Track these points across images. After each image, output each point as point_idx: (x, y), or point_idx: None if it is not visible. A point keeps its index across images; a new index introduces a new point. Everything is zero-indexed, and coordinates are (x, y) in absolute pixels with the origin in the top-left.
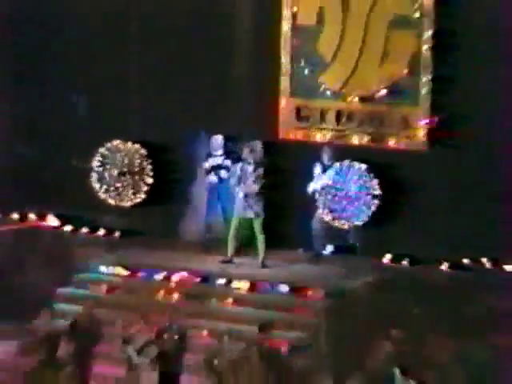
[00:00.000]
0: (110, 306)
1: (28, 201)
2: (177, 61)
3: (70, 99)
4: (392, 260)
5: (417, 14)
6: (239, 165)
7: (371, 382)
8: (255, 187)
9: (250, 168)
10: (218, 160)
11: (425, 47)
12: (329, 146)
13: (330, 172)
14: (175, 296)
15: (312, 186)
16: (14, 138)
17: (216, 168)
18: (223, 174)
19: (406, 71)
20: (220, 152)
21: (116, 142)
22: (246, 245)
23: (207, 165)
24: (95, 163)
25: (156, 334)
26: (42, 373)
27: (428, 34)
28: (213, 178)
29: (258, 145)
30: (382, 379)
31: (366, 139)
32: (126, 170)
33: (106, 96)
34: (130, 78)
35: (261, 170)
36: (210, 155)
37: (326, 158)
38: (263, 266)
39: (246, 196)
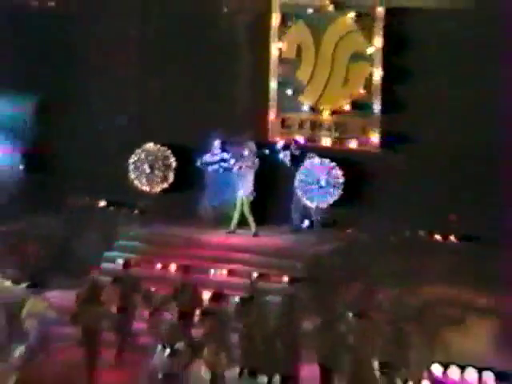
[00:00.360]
0: (141, 265)
1: (85, 189)
2: (195, 86)
3: (115, 114)
4: (351, 232)
5: (370, 51)
6: (240, 160)
7: (334, 320)
8: (251, 177)
9: (249, 163)
10: (218, 156)
11: (376, 74)
12: (305, 146)
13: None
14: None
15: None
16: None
17: (221, 162)
18: (225, 166)
19: (362, 92)
20: (219, 151)
21: (148, 145)
22: (243, 221)
23: (204, 160)
24: (132, 160)
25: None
26: (90, 310)
27: (378, 65)
28: (221, 170)
29: (254, 146)
30: (338, 319)
31: (333, 142)
32: (154, 165)
33: (141, 110)
34: (154, 98)
35: (256, 164)
36: (210, 153)
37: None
38: (255, 235)
39: (245, 183)
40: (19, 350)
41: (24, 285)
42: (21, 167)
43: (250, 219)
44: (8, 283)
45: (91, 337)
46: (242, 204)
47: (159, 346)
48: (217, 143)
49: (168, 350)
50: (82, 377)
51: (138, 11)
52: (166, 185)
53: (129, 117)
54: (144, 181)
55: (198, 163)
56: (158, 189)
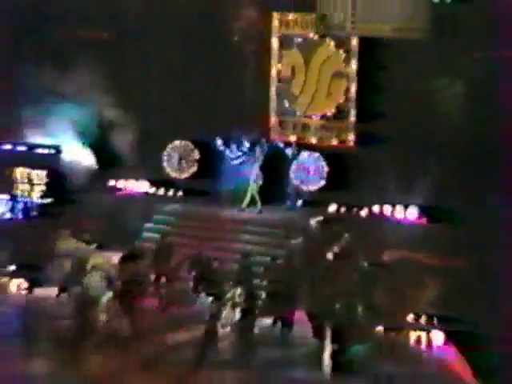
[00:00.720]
0: (174, 236)
1: (130, 176)
2: (213, 96)
3: (150, 114)
4: (335, 210)
5: (348, 70)
6: (252, 155)
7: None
8: (258, 168)
9: (257, 158)
10: (237, 152)
11: (352, 88)
12: (298, 143)
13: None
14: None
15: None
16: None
17: (238, 158)
18: (241, 159)
19: (341, 102)
20: (236, 147)
21: (176, 141)
22: (252, 201)
23: (226, 155)
24: (165, 153)
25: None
26: (128, 267)
27: (354, 81)
28: (235, 162)
29: (265, 144)
30: (331, 275)
31: (318, 141)
32: (182, 157)
33: (173, 114)
34: (182, 106)
35: (261, 158)
36: (230, 149)
37: (295, 149)
38: (260, 212)
39: (255, 172)
40: (107, 296)
41: (94, 246)
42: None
43: (257, 199)
44: (81, 244)
45: (129, 288)
46: (251, 188)
47: (202, 294)
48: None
49: (211, 298)
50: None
51: (178, 41)
52: (191, 173)
53: (162, 119)
54: (174, 169)
55: (226, 156)
56: (185, 176)
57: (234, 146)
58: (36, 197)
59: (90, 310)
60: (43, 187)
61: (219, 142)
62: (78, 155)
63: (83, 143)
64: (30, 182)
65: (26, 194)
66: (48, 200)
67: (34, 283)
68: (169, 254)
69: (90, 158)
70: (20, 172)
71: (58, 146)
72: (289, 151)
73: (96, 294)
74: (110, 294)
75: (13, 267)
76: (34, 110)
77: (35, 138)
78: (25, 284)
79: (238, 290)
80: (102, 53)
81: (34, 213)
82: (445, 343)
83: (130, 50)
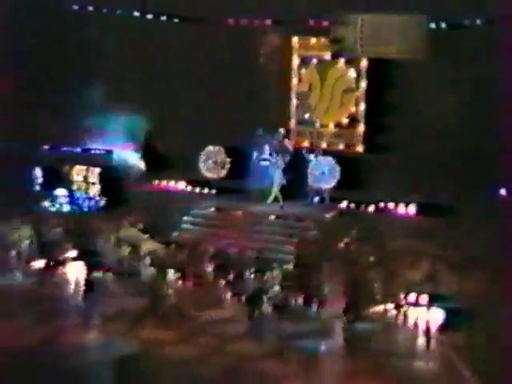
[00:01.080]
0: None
1: (169, 177)
2: (241, 109)
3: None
4: (346, 205)
5: (358, 86)
6: (278, 157)
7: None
8: (281, 170)
9: (281, 161)
10: (264, 155)
11: (362, 101)
12: (315, 148)
13: (317, 158)
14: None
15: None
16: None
17: (265, 160)
18: (267, 162)
19: (352, 111)
20: (265, 150)
21: (210, 147)
22: (276, 198)
23: (256, 158)
24: (201, 157)
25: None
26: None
27: (363, 95)
28: (263, 163)
29: (290, 146)
30: (344, 264)
31: (333, 145)
32: (215, 160)
33: (206, 122)
34: (218, 118)
35: (287, 160)
36: (258, 152)
37: (319, 153)
38: (281, 208)
39: (278, 175)
40: (172, 274)
41: (147, 235)
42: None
43: (280, 198)
44: (138, 232)
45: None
46: (275, 188)
47: (247, 272)
48: (266, 148)
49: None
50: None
51: (215, 64)
52: (223, 174)
53: (199, 128)
54: (209, 171)
55: (253, 160)
56: (218, 176)
57: (261, 150)
58: (91, 193)
59: (156, 288)
60: (97, 186)
61: (256, 149)
62: (129, 159)
63: (133, 149)
64: (86, 179)
65: (83, 189)
66: (101, 196)
67: (93, 267)
68: (199, 244)
69: (139, 162)
70: (77, 170)
71: (111, 150)
72: (309, 155)
73: (150, 275)
74: (172, 272)
75: (73, 253)
76: (93, 120)
77: (92, 144)
78: (85, 268)
79: (276, 272)
80: (149, 73)
81: (90, 206)
82: (442, 323)
83: (173, 73)
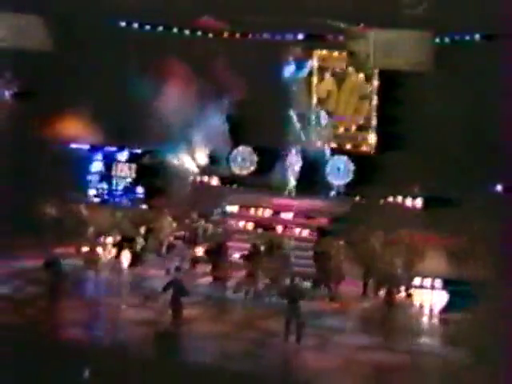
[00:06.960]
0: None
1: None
2: (266, 118)
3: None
4: (359, 199)
5: (370, 94)
6: (295, 158)
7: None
8: (299, 167)
9: (299, 160)
10: (286, 155)
11: (373, 110)
12: (332, 148)
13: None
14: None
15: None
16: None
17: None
18: (287, 161)
19: (366, 118)
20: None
21: (240, 147)
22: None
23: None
24: (232, 155)
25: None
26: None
27: (375, 102)
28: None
29: (305, 149)
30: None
31: (349, 146)
32: (244, 158)
33: (236, 125)
34: (244, 118)
35: (301, 161)
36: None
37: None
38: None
39: (294, 171)
40: None
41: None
42: None
43: (293, 190)
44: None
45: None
46: (293, 184)
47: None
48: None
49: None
50: None
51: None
52: (251, 170)
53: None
54: (238, 167)
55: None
56: (246, 172)
57: (286, 150)
58: (129, 185)
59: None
60: (129, 179)
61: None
62: (173, 157)
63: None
64: (123, 175)
65: (122, 183)
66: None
67: (134, 254)
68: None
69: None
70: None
71: (151, 150)
72: (326, 154)
73: None
74: None
75: (110, 239)
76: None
77: (138, 144)
78: (127, 253)
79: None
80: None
81: (129, 197)
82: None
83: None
